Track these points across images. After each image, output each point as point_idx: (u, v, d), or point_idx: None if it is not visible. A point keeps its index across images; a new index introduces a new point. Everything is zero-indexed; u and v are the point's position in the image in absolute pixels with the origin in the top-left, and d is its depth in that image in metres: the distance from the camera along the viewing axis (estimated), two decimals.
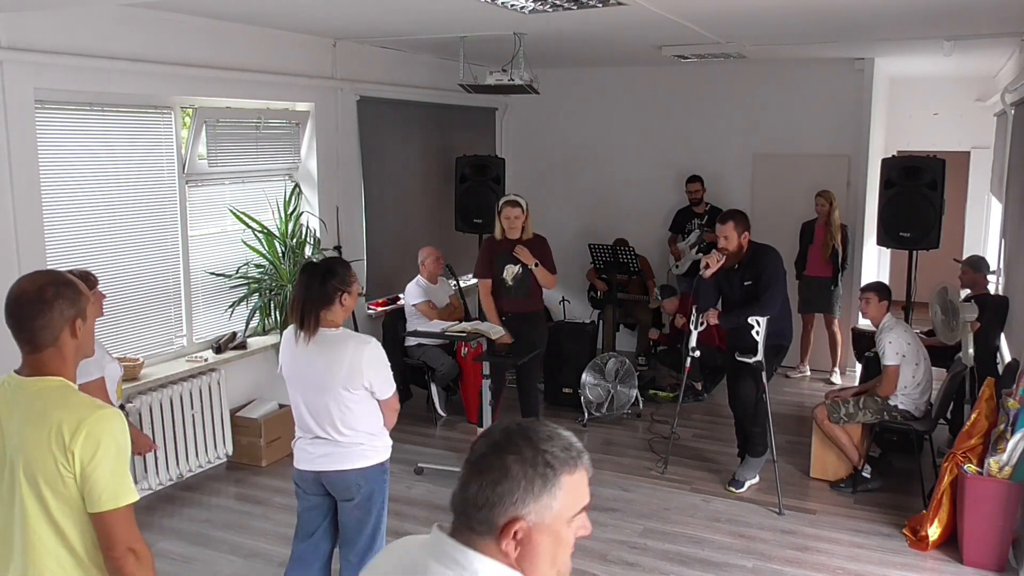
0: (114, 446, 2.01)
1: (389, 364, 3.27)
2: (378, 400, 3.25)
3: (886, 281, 7.54)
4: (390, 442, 3.37)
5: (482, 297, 5.81)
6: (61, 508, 2.01)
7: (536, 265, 5.57)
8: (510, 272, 5.64)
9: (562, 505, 1.33)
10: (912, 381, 5.15)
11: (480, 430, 5.66)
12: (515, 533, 1.30)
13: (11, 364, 2.14)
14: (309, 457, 3.29)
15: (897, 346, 5.11)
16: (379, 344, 3.25)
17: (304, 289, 3.19)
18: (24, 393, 2.06)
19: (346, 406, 3.18)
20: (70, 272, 3.76)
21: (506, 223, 5.60)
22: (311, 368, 3.20)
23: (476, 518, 1.31)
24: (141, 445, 3.94)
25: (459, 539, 1.33)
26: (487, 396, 5.37)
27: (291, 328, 3.27)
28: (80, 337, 2.10)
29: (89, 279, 3.81)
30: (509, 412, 6.15)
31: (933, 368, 5.36)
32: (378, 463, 3.29)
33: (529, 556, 1.32)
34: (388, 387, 3.25)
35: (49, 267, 4.47)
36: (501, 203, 5.69)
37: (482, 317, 5.85)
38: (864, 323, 7.44)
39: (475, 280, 7.76)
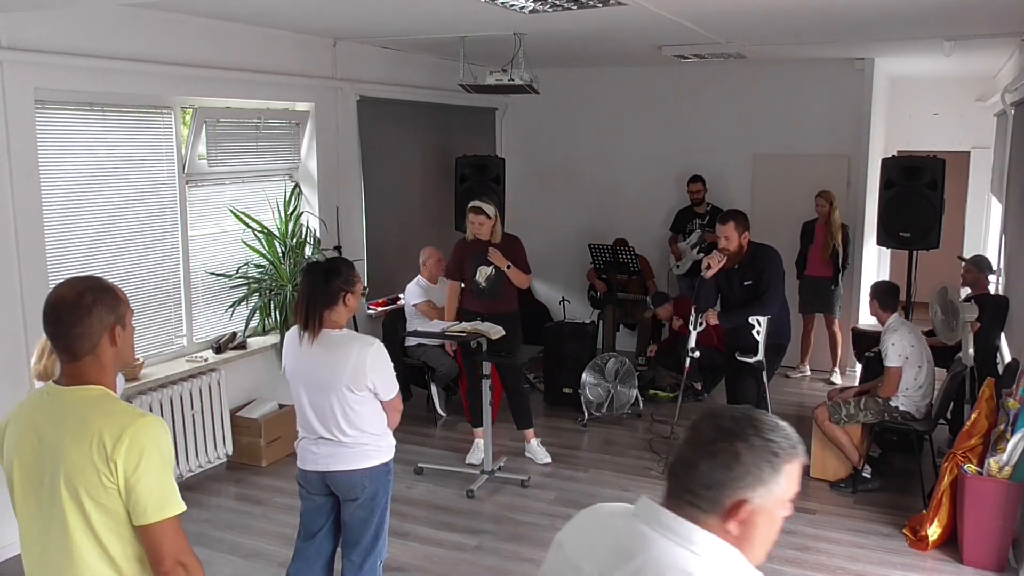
0: (158, 455, 1.94)
1: (392, 365, 3.28)
2: (381, 401, 3.25)
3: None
4: (394, 442, 3.37)
5: (448, 298, 5.86)
6: (104, 521, 1.93)
7: (509, 267, 5.59)
8: (483, 274, 5.65)
9: (782, 491, 1.42)
10: (914, 383, 5.15)
11: (478, 431, 5.68)
12: (741, 514, 1.39)
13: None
14: (313, 457, 3.29)
15: (900, 348, 5.11)
16: (382, 345, 3.26)
17: (308, 289, 3.19)
18: (63, 402, 1.99)
19: (350, 407, 3.19)
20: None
21: (471, 228, 5.63)
22: (315, 369, 3.21)
23: (704, 496, 1.40)
24: None
25: (678, 513, 1.42)
26: (486, 396, 5.37)
27: (294, 329, 3.27)
28: (119, 345, 2.03)
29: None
30: (506, 411, 6.14)
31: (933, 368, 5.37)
32: (382, 463, 3.30)
33: (748, 535, 1.41)
34: (391, 388, 3.25)
35: (49, 267, 4.48)
36: (468, 207, 5.70)
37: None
38: (864, 323, 7.46)
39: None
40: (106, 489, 1.91)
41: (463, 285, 5.87)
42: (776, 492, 1.41)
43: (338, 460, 3.25)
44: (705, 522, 1.40)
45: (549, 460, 5.77)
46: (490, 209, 5.61)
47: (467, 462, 5.72)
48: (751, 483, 1.39)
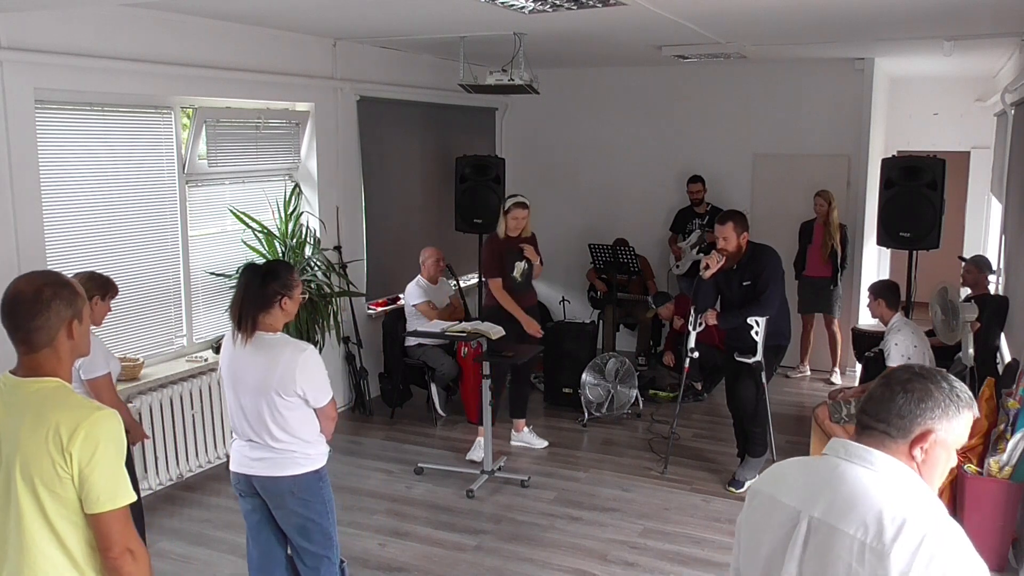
0: (112, 447, 2.00)
1: (326, 372, 3.21)
2: (313, 408, 3.19)
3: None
4: (326, 449, 3.30)
5: (500, 295, 5.81)
6: (58, 510, 2.00)
7: (541, 262, 5.89)
8: (519, 269, 5.85)
9: (959, 432, 1.68)
10: None
11: (480, 429, 5.69)
12: (926, 442, 1.64)
13: (7, 364, 2.14)
14: (244, 461, 3.25)
15: (903, 348, 5.11)
16: (316, 351, 3.20)
17: (243, 291, 3.14)
18: (20, 394, 2.05)
19: (279, 412, 3.13)
20: (95, 274, 3.79)
21: (513, 223, 5.80)
22: (246, 371, 3.15)
23: (896, 425, 1.65)
24: (136, 436, 3.94)
25: (867, 444, 1.68)
26: (487, 396, 5.37)
27: (231, 329, 3.21)
28: (76, 338, 2.10)
29: (110, 288, 3.80)
30: (504, 410, 6.15)
31: None
32: (312, 470, 3.22)
33: (929, 462, 1.67)
34: (323, 395, 3.18)
35: (49, 267, 4.48)
36: (509, 203, 5.84)
37: (483, 317, 5.87)
38: (864, 323, 7.46)
39: (476, 280, 7.83)
40: (60, 479, 1.97)
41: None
42: (955, 431, 1.66)
43: (266, 466, 3.19)
44: (893, 448, 1.65)
45: (546, 444, 5.93)
46: (528, 203, 5.87)
47: (467, 458, 5.75)
48: (939, 416, 1.64)
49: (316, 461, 3.24)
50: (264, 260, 3.27)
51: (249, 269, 3.20)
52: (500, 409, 5.82)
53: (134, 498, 2.06)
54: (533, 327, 5.79)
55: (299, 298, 3.23)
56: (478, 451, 5.70)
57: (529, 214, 5.88)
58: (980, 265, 6.19)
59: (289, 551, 3.39)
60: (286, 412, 3.14)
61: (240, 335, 3.13)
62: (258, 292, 3.12)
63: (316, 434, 3.24)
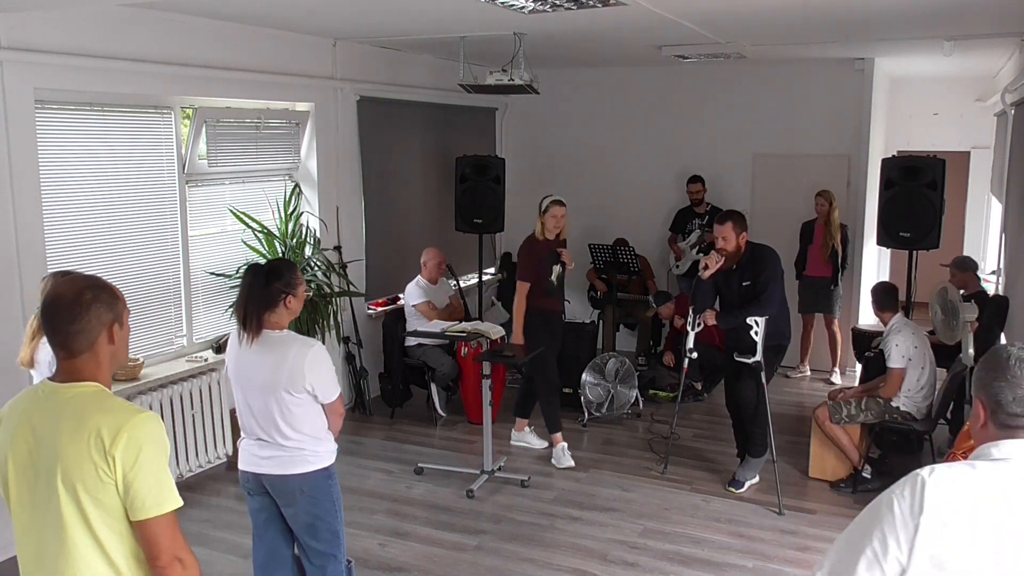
0: (156, 451, 1.94)
1: (333, 367, 3.23)
2: (322, 404, 3.20)
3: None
4: (334, 447, 3.31)
5: (520, 300, 5.68)
6: (101, 517, 1.93)
7: (574, 265, 5.84)
8: (555, 273, 5.73)
9: None
10: (916, 384, 5.15)
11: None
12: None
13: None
14: (253, 460, 3.25)
15: (904, 349, 5.11)
16: (323, 347, 3.21)
17: (247, 290, 3.14)
18: (59, 400, 1.98)
19: (288, 409, 3.14)
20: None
21: (552, 222, 5.63)
22: (253, 370, 3.16)
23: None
24: None
25: None
26: (487, 396, 5.37)
27: (236, 329, 3.21)
28: (117, 343, 2.04)
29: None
30: (511, 411, 6.15)
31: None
32: (321, 468, 3.23)
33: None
34: (331, 391, 3.20)
35: (49, 268, 4.48)
36: (547, 202, 5.66)
37: (527, 320, 5.72)
38: (864, 323, 7.46)
39: (476, 280, 7.83)
40: (104, 484, 1.91)
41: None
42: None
43: (276, 464, 3.20)
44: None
45: (546, 444, 5.92)
46: (564, 200, 5.71)
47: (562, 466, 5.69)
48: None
49: (325, 459, 3.26)
50: (266, 260, 3.29)
51: (252, 269, 3.21)
52: (500, 409, 5.83)
53: (181, 503, 1.99)
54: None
55: (303, 296, 3.24)
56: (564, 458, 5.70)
57: (567, 213, 5.69)
58: (962, 265, 6.19)
59: (296, 551, 3.39)
60: (295, 409, 3.15)
61: (246, 335, 3.14)
62: (262, 291, 3.12)
63: (325, 431, 3.25)
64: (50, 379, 2.04)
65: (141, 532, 1.94)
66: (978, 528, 1.58)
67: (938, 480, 1.62)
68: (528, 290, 5.66)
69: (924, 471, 1.65)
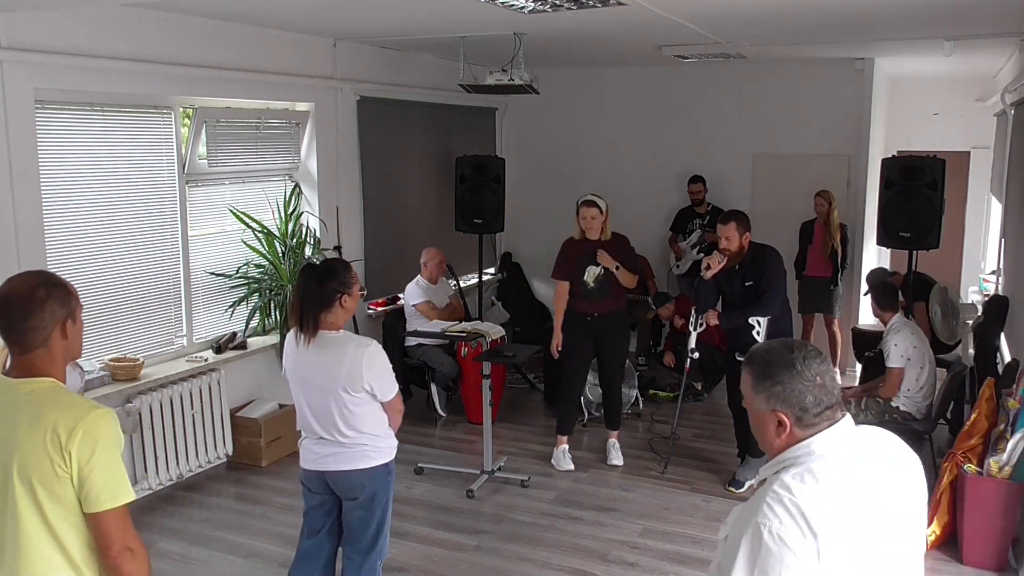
0: (111, 445, 2.00)
1: (391, 366, 3.27)
2: (381, 402, 3.24)
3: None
4: (395, 443, 3.37)
5: (557, 299, 5.63)
6: (56, 510, 1.99)
7: (617, 268, 5.41)
8: (591, 273, 5.46)
9: None
10: (915, 384, 5.15)
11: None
12: None
13: None
14: (314, 457, 3.30)
15: (903, 349, 5.12)
16: (380, 346, 3.25)
17: (302, 291, 3.18)
18: (14, 395, 2.04)
19: (348, 408, 3.18)
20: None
21: (583, 223, 5.44)
22: (312, 370, 3.21)
23: None
24: None
25: None
26: (487, 396, 5.37)
27: (294, 330, 3.27)
28: (70, 338, 2.09)
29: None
30: (511, 411, 6.15)
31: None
32: (382, 464, 3.29)
33: None
34: (390, 389, 3.24)
35: (50, 268, 4.48)
36: (579, 202, 5.51)
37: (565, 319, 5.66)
38: (864, 323, 7.46)
39: (476, 280, 7.83)
40: (59, 478, 1.97)
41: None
42: None
43: (337, 460, 3.25)
44: None
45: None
46: (602, 203, 5.40)
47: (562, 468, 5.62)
48: None
49: (386, 454, 3.31)
50: (320, 261, 3.39)
51: (306, 270, 3.24)
52: (501, 410, 5.82)
53: (134, 496, 2.06)
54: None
55: (358, 295, 3.27)
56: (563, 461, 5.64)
57: (604, 214, 5.39)
58: (879, 284, 5.81)
59: (341, 549, 3.44)
60: (354, 408, 3.18)
61: (303, 336, 3.17)
62: (317, 292, 3.15)
63: (385, 428, 3.29)
64: (4, 374, 2.09)
65: (94, 524, 2.01)
66: (855, 524, 1.61)
67: (807, 499, 1.60)
68: (566, 289, 5.56)
69: (783, 497, 1.62)
